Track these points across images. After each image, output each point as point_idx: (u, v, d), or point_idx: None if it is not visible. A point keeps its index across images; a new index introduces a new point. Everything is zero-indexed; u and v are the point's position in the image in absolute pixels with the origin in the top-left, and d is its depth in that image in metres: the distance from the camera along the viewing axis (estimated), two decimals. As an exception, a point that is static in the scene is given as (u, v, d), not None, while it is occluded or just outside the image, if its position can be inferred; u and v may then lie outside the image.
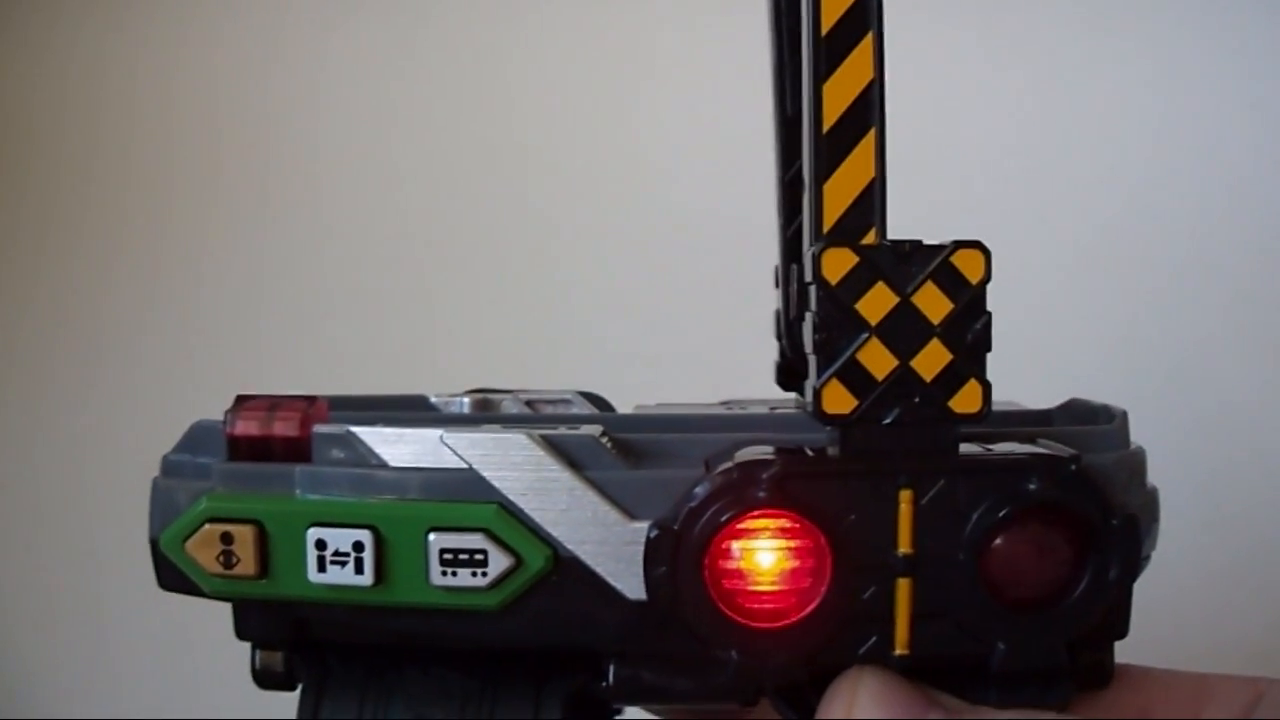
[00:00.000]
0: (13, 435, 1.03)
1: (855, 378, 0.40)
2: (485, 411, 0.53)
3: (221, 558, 0.42)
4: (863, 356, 0.40)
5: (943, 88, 0.88)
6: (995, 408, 0.43)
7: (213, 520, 0.42)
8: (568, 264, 0.95)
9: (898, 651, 0.41)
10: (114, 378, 1.01)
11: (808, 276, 0.41)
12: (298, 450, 0.43)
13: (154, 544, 0.44)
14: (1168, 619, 0.72)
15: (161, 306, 1.01)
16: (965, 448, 0.42)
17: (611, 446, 0.42)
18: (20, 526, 1.01)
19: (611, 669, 0.43)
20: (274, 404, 0.44)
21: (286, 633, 0.44)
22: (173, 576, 0.43)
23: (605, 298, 0.93)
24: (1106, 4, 0.88)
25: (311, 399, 0.44)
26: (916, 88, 0.88)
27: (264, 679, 0.45)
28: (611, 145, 0.95)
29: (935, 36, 0.88)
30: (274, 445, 0.43)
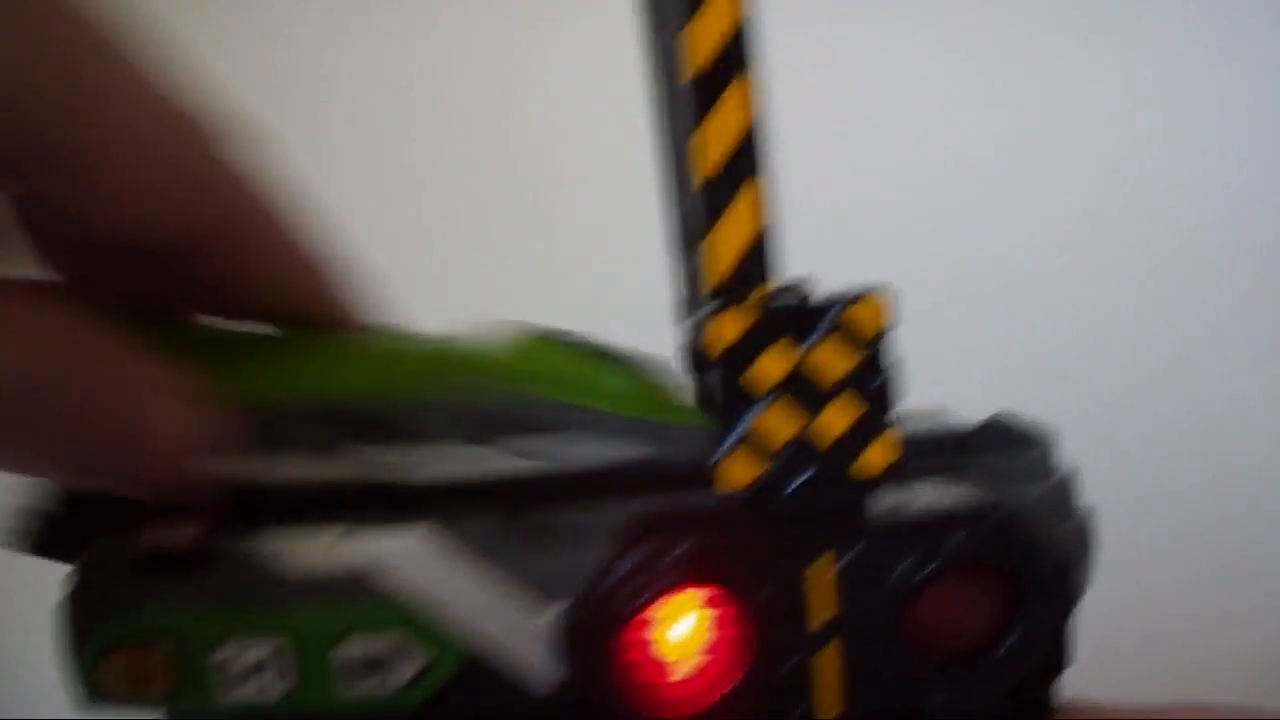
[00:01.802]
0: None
1: (754, 447, 0.38)
2: None
3: (131, 680, 0.41)
4: (761, 424, 0.38)
5: (942, 88, 0.85)
6: (917, 422, 0.41)
7: (121, 640, 0.41)
8: (567, 264, 0.93)
9: (828, 717, 0.40)
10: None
11: (696, 344, 0.39)
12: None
13: (69, 667, 0.43)
14: (1169, 620, 0.71)
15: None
16: (882, 500, 0.40)
17: (516, 530, 0.41)
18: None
19: None
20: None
21: None
22: (93, 694, 0.42)
23: (603, 299, 0.91)
24: (1101, 7, 0.84)
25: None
26: (915, 87, 0.87)
27: None
28: (609, 145, 0.92)
29: (934, 37, 0.85)
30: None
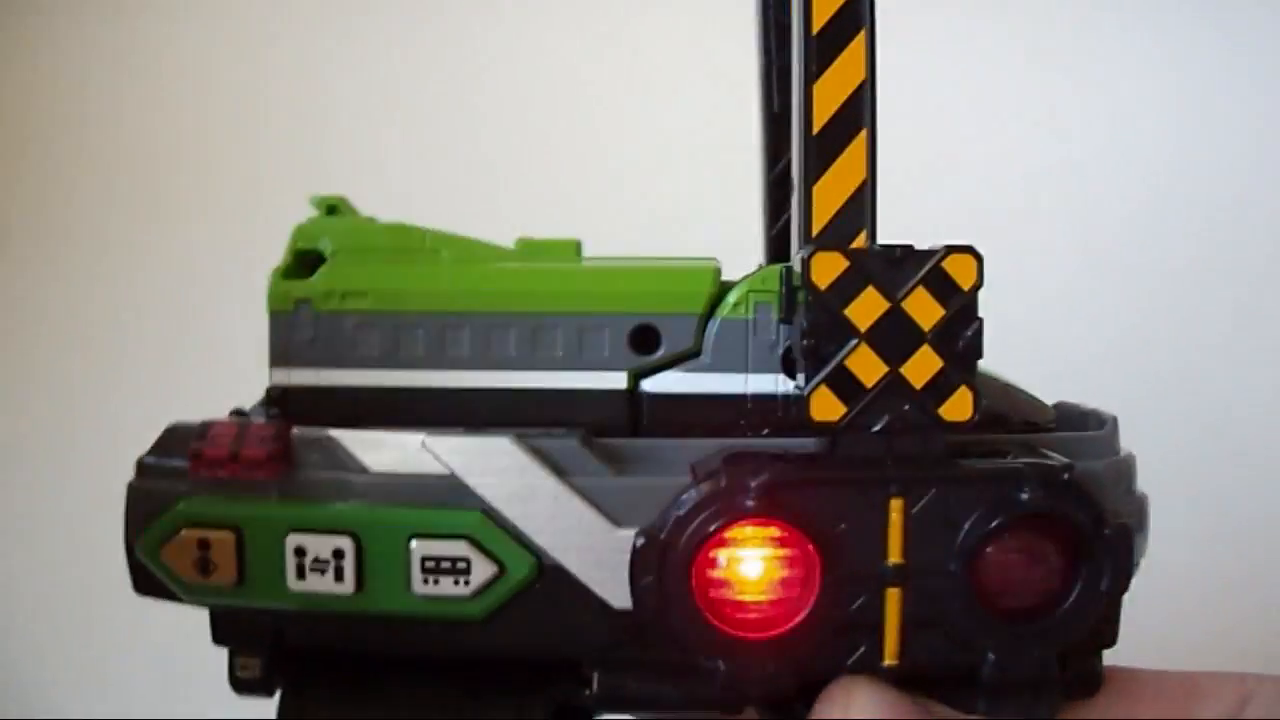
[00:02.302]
0: (12, 435, 1.02)
1: (844, 384, 0.40)
2: None
3: (198, 564, 0.41)
4: (852, 363, 0.40)
5: (949, 90, 0.87)
6: (992, 390, 0.42)
7: (189, 525, 0.41)
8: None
9: (887, 661, 0.40)
10: (112, 376, 1.00)
11: (796, 281, 0.40)
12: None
13: (129, 549, 0.43)
14: (1168, 622, 0.72)
15: (157, 304, 0.99)
16: (956, 456, 0.41)
17: (596, 452, 0.41)
18: (20, 527, 1.00)
19: (596, 677, 0.42)
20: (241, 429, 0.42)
21: (265, 640, 0.43)
22: (148, 582, 0.42)
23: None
24: (1114, 8, 0.87)
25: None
26: (923, 89, 0.89)
27: (242, 685, 0.44)
28: (606, 142, 0.94)
29: (942, 39, 0.87)
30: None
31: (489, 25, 0.97)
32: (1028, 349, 0.81)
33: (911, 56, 0.85)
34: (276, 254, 0.46)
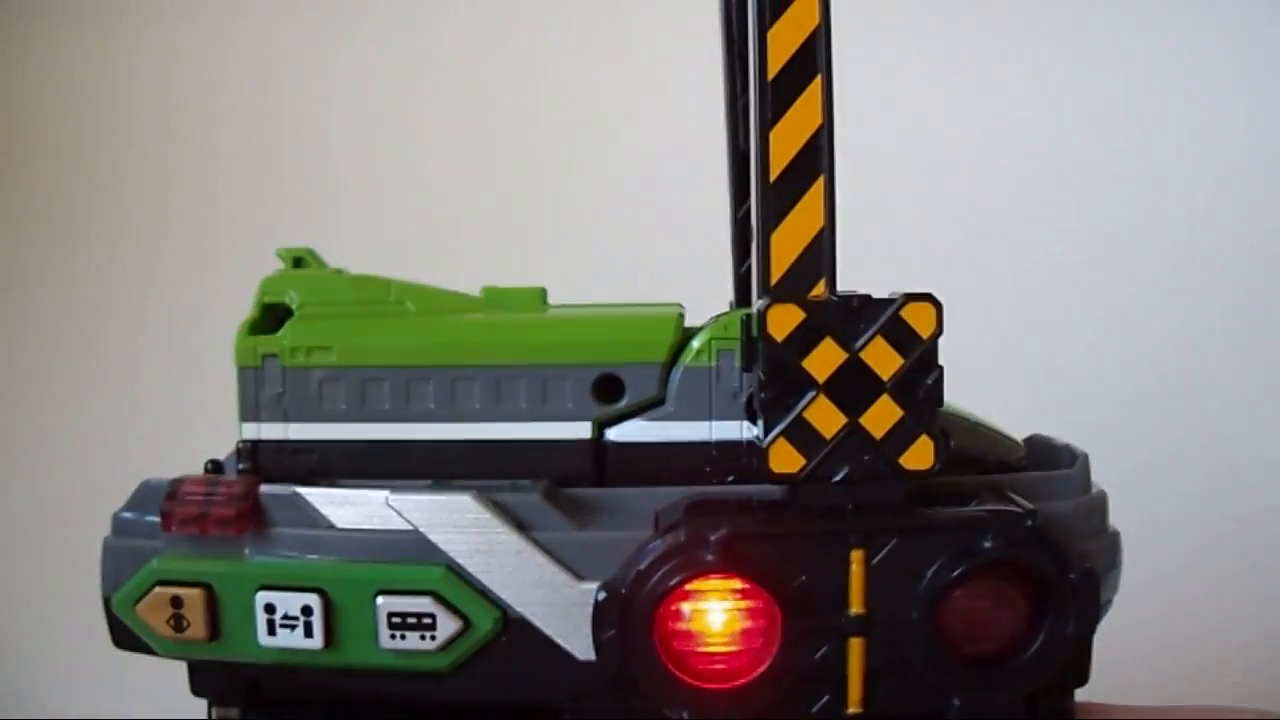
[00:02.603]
0: (12, 436, 1.03)
1: (803, 436, 0.39)
2: None
3: (172, 620, 0.42)
4: (810, 414, 0.39)
5: (939, 88, 0.86)
6: (956, 430, 0.42)
7: (162, 583, 0.42)
8: (567, 270, 0.94)
9: (851, 710, 0.40)
10: (115, 379, 1.01)
11: (755, 331, 0.40)
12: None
13: (106, 603, 0.43)
14: (1170, 624, 0.72)
15: (165, 309, 1.00)
16: (920, 502, 0.41)
17: (558, 506, 0.42)
18: (20, 527, 1.01)
19: None
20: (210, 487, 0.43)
21: (240, 692, 0.44)
22: (125, 636, 0.43)
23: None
24: (1098, 7, 0.86)
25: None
26: (914, 87, 0.88)
27: None
28: (609, 149, 0.93)
29: (931, 38, 0.86)
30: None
31: (493, 31, 0.97)
32: (1024, 351, 0.81)
33: (905, 56, 0.84)
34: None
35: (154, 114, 1.01)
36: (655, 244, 0.85)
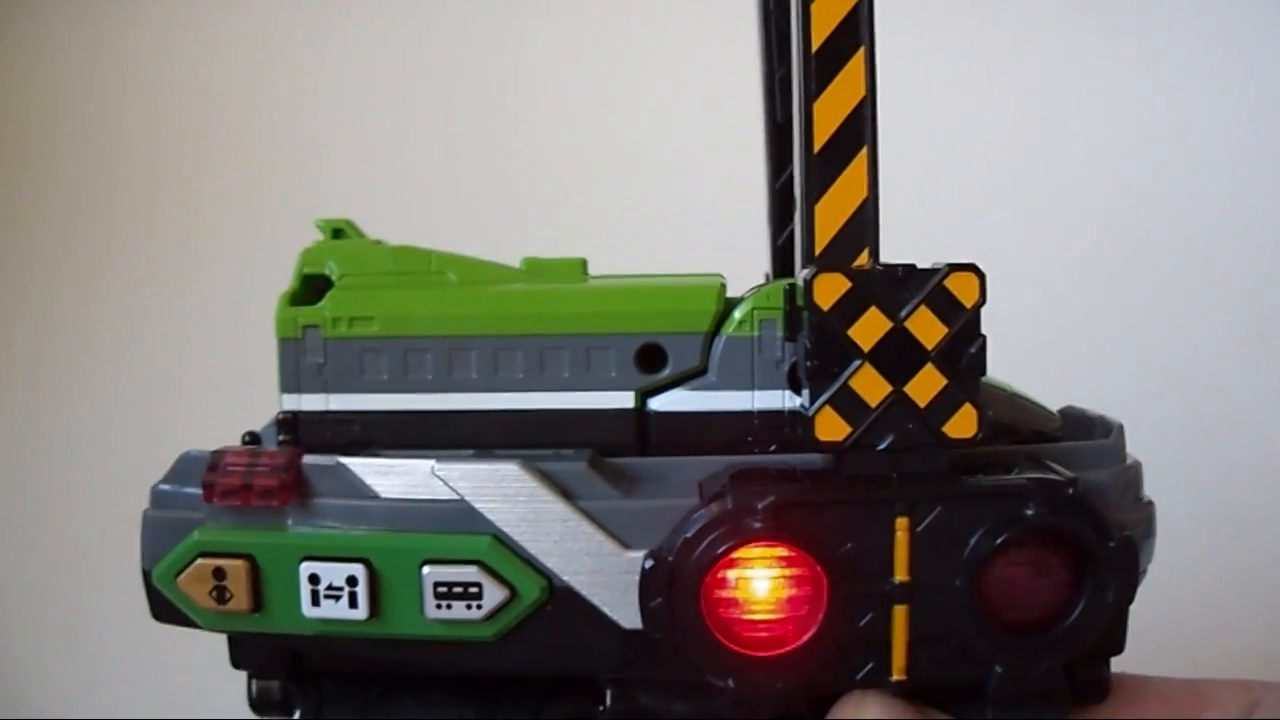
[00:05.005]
0: (12, 437, 1.03)
1: (848, 404, 0.40)
2: None
3: (214, 592, 0.42)
4: (856, 383, 0.40)
5: (946, 92, 0.86)
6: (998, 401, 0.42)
7: (204, 555, 0.42)
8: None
9: (895, 677, 0.41)
10: (112, 378, 1.00)
11: (799, 299, 0.40)
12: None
13: (146, 576, 0.43)
14: (1170, 624, 0.72)
15: (157, 308, 1.00)
16: (962, 471, 0.41)
17: (604, 475, 0.42)
18: (19, 528, 1.01)
19: (609, 694, 0.43)
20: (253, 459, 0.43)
21: (282, 663, 0.44)
22: (166, 609, 0.43)
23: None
24: (1105, 7, 0.86)
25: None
26: (920, 93, 0.88)
27: (260, 706, 0.45)
28: (612, 143, 0.93)
29: (937, 42, 0.86)
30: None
31: (491, 28, 0.97)
32: (1033, 348, 0.81)
33: (912, 62, 0.84)
34: (279, 256, 0.46)
35: (147, 112, 1.01)
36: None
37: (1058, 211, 0.88)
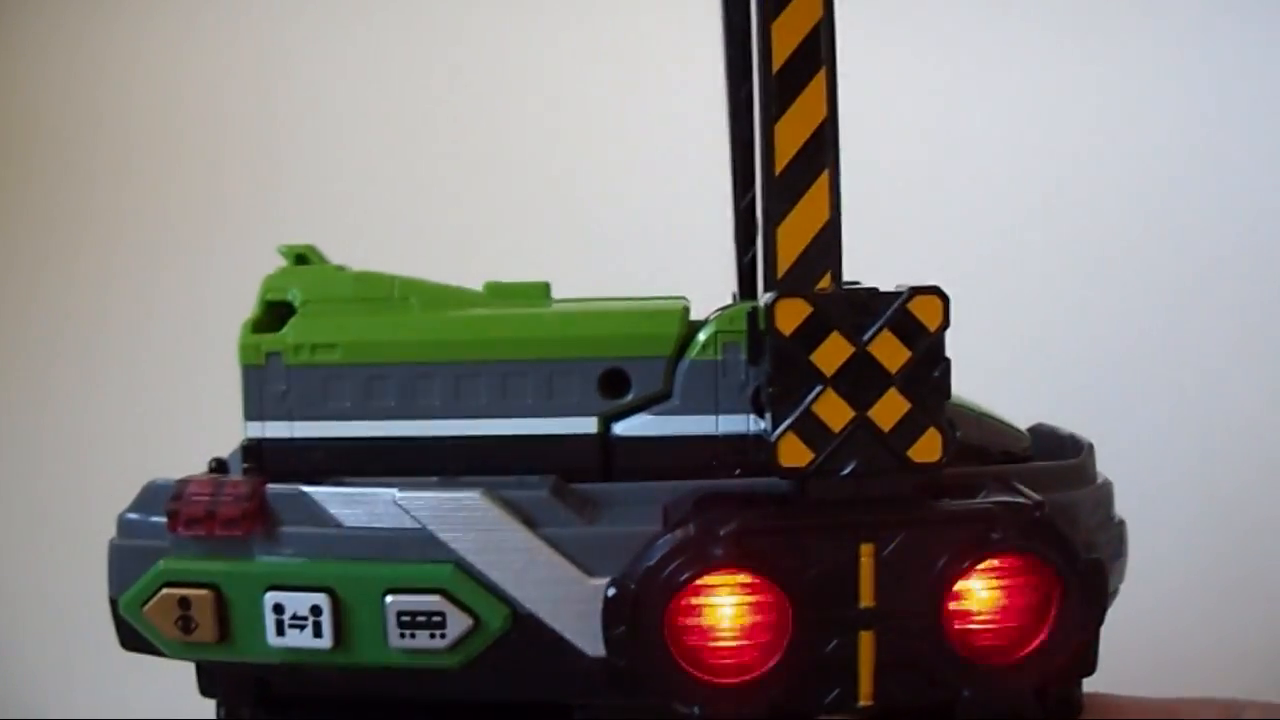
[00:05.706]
0: (13, 437, 1.03)
1: (811, 430, 0.39)
2: None
3: (180, 622, 0.42)
4: (818, 408, 0.39)
5: (947, 95, 0.86)
6: (963, 421, 0.42)
7: (170, 584, 0.42)
8: (567, 266, 0.93)
9: (862, 702, 0.41)
10: (116, 379, 1.01)
11: (761, 325, 0.40)
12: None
13: (113, 605, 0.43)
14: (1171, 625, 0.72)
15: (164, 309, 1.00)
16: (928, 494, 0.41)
17: (566, 502, 0.42)
18: (20, 528, 1.01)
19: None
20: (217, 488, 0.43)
21: (250, 691, 0.44)
22: (133, 638, 0.43)
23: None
24: (1111, 11, 0.85)
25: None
26: (920, 95, 0.87)
27: None
28: (607, 143, 0.93)
29: (938, 43, 0.85)
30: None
31: (492, 32, 0.96)
32: (1030, 352, 0.81)
33: (913, 63, 0.84)
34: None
35: (155, 113, 1.01)
36: (655, 237, 0.85)
37: (1057, 211, 0.87)
